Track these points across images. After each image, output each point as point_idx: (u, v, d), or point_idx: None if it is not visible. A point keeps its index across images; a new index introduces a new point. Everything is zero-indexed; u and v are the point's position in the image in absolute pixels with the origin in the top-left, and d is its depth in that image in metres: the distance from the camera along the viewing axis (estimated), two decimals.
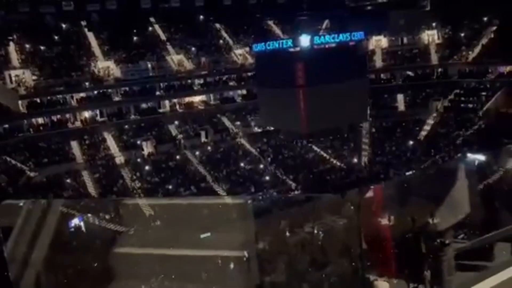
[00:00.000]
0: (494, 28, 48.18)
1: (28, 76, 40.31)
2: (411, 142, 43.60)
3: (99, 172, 37.76)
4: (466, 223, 4.89)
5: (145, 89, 45.31)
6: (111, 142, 40.98)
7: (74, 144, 39.67)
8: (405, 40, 52.94)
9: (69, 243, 5.51)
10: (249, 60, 49.02)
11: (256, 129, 46.18)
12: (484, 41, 48.40)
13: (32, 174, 34.60)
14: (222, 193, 36.16)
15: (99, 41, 46.02)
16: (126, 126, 43.54)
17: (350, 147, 44.39)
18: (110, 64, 44.32)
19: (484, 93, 45.44)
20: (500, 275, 2.30)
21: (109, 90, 43.98)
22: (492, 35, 48.04)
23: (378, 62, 51.62)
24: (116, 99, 44.18)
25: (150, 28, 50.36)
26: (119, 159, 39.45)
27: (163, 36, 49.84)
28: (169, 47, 48.48)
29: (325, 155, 43.27)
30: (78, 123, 42.17)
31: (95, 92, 43.35)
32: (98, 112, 43.46)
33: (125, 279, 4.47)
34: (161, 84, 46.19)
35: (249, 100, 47.71)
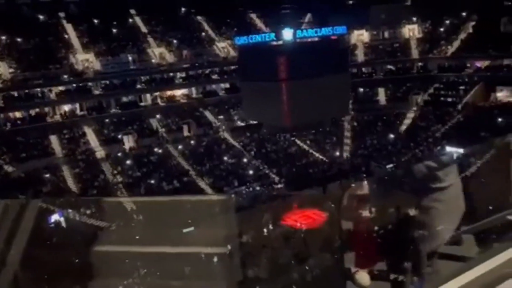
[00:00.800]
0: (473, 23, 49.06)
1: (4, 69, 39.26)
2: (391, 136, 44.24)
3: (79, 167, 37.13)
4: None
5: (125, 82, 44.66)
6: (91, 136, 40.32)
7: (53, 139, 38.93)
8: (386, 34, 53.52)
9: (49, 240, 5.39)
10: (232, 53, 48.77)
11: (239, 123, 46.09)
12: (463, 36, 49.27)
13: (10, 169, 33.81)
14: (205, 187, 36.05)
15: (78, 33, 45.07)
16: (107, 120, 42.90)
17: (332, 141, 44.78)
18: (90, 56, 43.51)
19: (462, 87, 46.32)
20: (480, 268, 2.36)
21: (89, 84, 43.18)
22: (471, 30, 48.93)
23: (360, 56, 52.02)
24: (96, 92, 43.43)
25: (131, 20, 49.56)
26: (100, 153, 38.88)
27: (144, 29, 49.13)
28: (150, 40, 47.83)
29: (307, 148, 43.54)
30: (57, 117, 41.37)
31: (74, 85, 42.48)
32: (77, 106, 42.71)
33: (106, 276, 4.41)
34: (142, 77, 45.59)
35: (232, 93, 47.54)
